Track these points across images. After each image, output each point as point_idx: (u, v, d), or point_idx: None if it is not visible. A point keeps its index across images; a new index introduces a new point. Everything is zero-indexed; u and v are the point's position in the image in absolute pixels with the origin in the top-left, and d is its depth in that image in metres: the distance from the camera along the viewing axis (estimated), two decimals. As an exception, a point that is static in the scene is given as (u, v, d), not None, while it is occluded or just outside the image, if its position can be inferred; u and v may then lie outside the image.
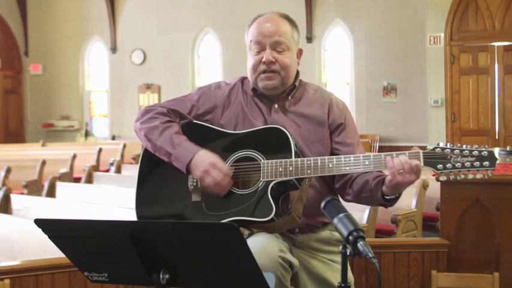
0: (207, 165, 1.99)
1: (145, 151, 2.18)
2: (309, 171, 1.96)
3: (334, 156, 1.98)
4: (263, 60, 2.10)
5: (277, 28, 2.12)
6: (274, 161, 1.98)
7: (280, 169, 1.97)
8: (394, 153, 1.92)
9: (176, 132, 2.10)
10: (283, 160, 1.97)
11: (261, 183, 1.99)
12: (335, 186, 2.15)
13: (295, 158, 1.98)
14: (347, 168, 1.94)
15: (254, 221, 1.96)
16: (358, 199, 2.11)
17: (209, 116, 2.19)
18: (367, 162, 1.93)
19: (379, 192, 1.98)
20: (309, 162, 1.96)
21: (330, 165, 1.95)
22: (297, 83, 2.19)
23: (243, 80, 2.26)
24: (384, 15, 10.97)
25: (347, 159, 1.95)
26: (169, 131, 2.09)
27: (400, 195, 2.00)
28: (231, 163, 2.05)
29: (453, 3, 9.09)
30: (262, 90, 2.15)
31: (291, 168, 1.96)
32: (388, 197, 1.98)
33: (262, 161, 2.00)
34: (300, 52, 2.21)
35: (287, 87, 2.17)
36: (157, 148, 2.10)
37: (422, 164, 1.89)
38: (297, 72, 2.21)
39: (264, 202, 1.95)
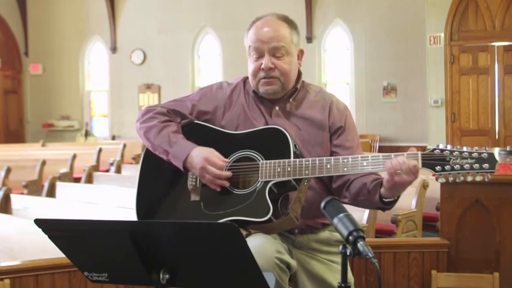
0: (201, 162, 2.00)
1: (147, 151, 2.19)
2: (307, 172, 1.95)
3: (332, 157, 1.97)
4: (262, 67, 2.09)
5: (275, 33, 2.10)
6: (272, 161, 1.98)
7: (279, 169, 1.96)
8: (392, 154, 1.90)
9: (174, 131, 2.10)
10: (281, 160, 1.97)
11: (259, 183, 1.98)
12: (332, 187, 2.14)
13: (294, 158, 1.97)
14: (345, 169, 1.93)
15: (251, 221, 1.95)
16: (356, 202, 2.10)
17: (210, 116, 2.19)
18: (365, 163, 1.91)
19: (376, 195, 1.96)
20: (307, 162, 1.95)
21: (328, 166, 1.94)
22: (298, 85, 2.18)
23: (245, 80, 2.24)
24: (384, 15, 10.97)
25: (345, 160, 1.94)
26: (167, 129, 2.10)
27: (398, 198, 1.98)
28: (231, 163, 2.05)
29: (453, 3, 9.08)
30: (263, 95, 2.15)
31: (289, 169, 1.96)
32: (386, 200, 1.96)
33: (261, 161, 2.00)
34: (301, 53, 2.20)
35: (288, 91, 2.16)
36: (156, 147, 2.11)
37: (420, 165, 1.86)
38: (299, 74, 2.19)
39: (261, 202, 1.95)
